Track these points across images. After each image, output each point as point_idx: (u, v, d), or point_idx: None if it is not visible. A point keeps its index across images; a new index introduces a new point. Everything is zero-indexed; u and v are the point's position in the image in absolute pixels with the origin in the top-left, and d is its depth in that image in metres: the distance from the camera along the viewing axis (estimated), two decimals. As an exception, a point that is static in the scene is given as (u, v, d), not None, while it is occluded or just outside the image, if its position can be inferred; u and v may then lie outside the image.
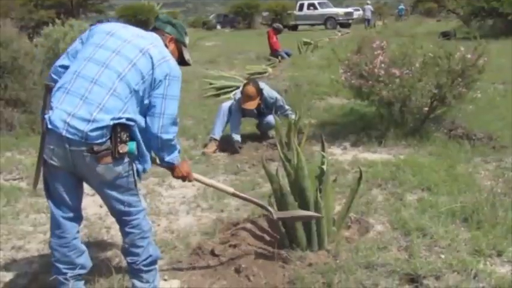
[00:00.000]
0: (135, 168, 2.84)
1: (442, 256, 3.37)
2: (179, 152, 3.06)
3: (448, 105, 6.10)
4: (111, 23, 3.01)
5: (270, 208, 3.44)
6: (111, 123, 2.63)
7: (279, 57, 15.84)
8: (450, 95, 5.92)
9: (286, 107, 6.73)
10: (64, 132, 2.62)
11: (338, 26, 36.07)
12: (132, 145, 2.72)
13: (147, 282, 3.03)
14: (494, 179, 4.83)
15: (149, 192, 4.97)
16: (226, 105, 6.57)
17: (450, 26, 23.66)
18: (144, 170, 2.93)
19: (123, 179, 2.81)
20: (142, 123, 2.79)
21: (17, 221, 4.36)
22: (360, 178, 3.66)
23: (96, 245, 3.86)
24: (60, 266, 2.91)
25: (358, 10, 49.71)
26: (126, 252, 3.02)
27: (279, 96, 6.65)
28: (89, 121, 2.62)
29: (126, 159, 2.76)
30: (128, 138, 2.70)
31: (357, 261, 3.31)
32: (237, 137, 6.28)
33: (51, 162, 2.79)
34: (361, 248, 3.47)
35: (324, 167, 3.49)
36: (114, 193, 2.86)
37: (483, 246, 3.41)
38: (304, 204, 3.45)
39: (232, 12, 46.13)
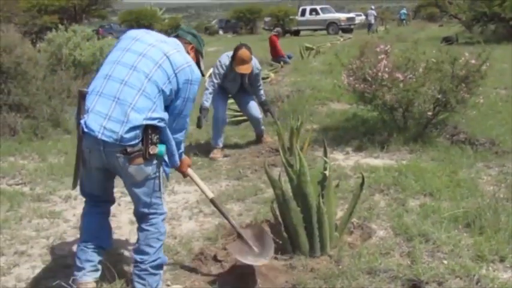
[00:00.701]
0: (161, 171, 3.04)
1: (445, 262, 3.36)
2: (183, 155, 3.29)
3: (450, 110, 6.10)
4: (136, 30, 3.23)
5: (240, 231, 3.50)
6: (144, 122, 2.82)
7: (281, 63, 15.87)
8: (453, 100, 5.92)
9: (261, 81, 6.72)
10: (100, 135, 2.81)
11: (340, 31, 36.15)
12: (162, 147, 2.94)
13: (150, 285, 3.09)
14: (497, 184, 4.83)
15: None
16: (218, 113, 6.47)
17: (452, 31, 23.66)
18: (168, 173, 3.20)
19: (151, 181, 2.99)
20: (165, 115, 2.96)
21: (20, 226, 4.36)
22: (362, 183, 3.66)
23: (98, 250, 3.86)
24: (86, 238, 3.21)
25: (360, 15, 49.81)
26: (137, 251, 3.14)
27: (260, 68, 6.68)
28: (123, 122, 2.80)
29: (155, 161, 2.94)
30: (157, 140, 2.90)
31: (359, 266, 3.31)
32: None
33: (88, 162, 3.00)
34: (364, 253, 3.47)
35: (327, 172, 3.49)
36: (140, 193, 3.03)
37: (486, 252, 3.41)
38: (306, 210, 3.46)
39: (235, 17, 46.25)
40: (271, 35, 17.44)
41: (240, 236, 3.46)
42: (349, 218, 3.74)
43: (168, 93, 2.95)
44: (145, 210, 3.10)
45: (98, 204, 3.32)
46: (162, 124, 2.90)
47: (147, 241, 3.11)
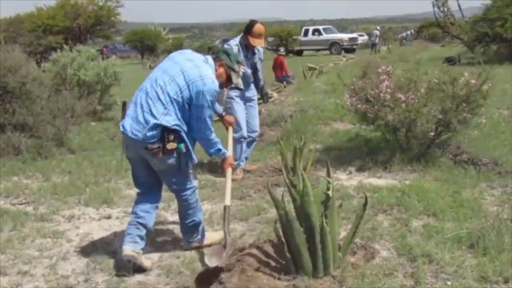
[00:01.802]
0: (184, 161, 3.87)
1: (449, 283, 3.35)
2: (219, 151, 4.09)
3: (453, 130, 6.11)
4: (178, 51, 4.21)
5: (228, 241, 3.95)
6: (158, 122, 3.69)
7: (284, 83, 15.93)
8: (455, 120, 5.93)
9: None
10: (130, 134, 3.78)
11: (343, 51, 36.35)
12: (181, 145, 3.78)
13: (192, 237, 4.15)
14: (500, 204, 4.82)
15: (155, 217, 4.96)
16: (242, 130, 6.34)
17: (454, 52, 23.78)
18: (192, 161, 3.98)
19: (174, 167, 3.87)
20: (185, 128, 3.82)
21: (23, 246, 4.36)
22: (366, 204, 3.65)
23: (102, 270, 3.86)
24: (132, 216, 4.04)
25: (362, 36, 50.14)
26: (178, 215, 4.18)
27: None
28: (144, 125, 3.73)
29: (175, 154, 3.80)
30: (175, 139, 3.74)
31: (362, 287, 3.29)
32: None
33: (128, 154, 3.99)
34: (367, 274, 3.46)
35: (330, 192, 3.49)
36: (168, 176, 3.99)
37: (489, 273, 3.40)
38: (309, 230, 3.45)
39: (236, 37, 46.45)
40: (278, 55, 17.49)
41: (224, 245, 3.93)
42: (353, 238, 3.73)
43: (181, 101, 3.76)
44: (175, 187, 4.02)
45: (147, 192, 4.08)
46: (176, 127, 3.74)
47: (182, 211, 4.11)
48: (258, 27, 6.15)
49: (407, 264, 3.66)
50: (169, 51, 35.21)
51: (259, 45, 6.26)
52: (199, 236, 4.19)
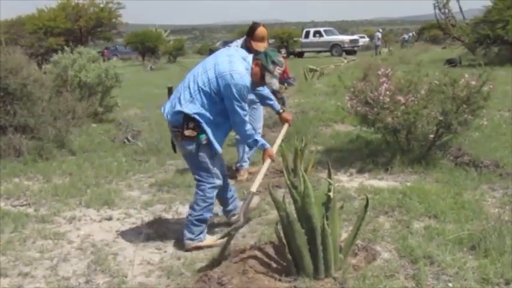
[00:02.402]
0: (203, 152, 4.11)
1: (450, 285, 3.35)
2: (256, 142, 4.26)
3: (454, 132, 6.10)
4: (229, 47, 4.75)
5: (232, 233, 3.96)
6: (180, 109, 4.02)
7: (285, 84, 15.91)
8: (456, 122, 5.93)
9: None
10: (165, 116, 4.19)
11: (344, 53, 36.35)
12: (201, 136, 4.04)
13: (192, 233, 4.24)
14: (501, 206, 4.82)
15: (156, 219, 4.98)
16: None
17: (455, 53, 23.76)
18: (216, 152, 4.19)
19: (193, 156, 4.15)
20: (210, 115, 4.04)
21: (24, 247, 4.36)
22: (367, 205, 3.65)
23: (103, 272, 3.86)
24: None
25: (363, 37, 50.17)
26: (190, 206, 4.34)
27: None
28: (173, 109, 4.10)
29: (195, 143, 4.07)
30: (195, 127, 4.02)
31: (363, 289, 3.29)
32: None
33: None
34: (368, 275, 3.45)
35: (331, 194, 3.49)
36: (189, 162, 4.34)
37: (491, 275, 3.39)
38: (310, 231, 3.45)
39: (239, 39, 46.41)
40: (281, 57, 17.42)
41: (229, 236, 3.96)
42: (354, 240, 3.73)
43: (209, 92, 4.01)
44: (196, 177, 4.27)
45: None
46: (196, 116, 4.00)
47: (196, 201, 4.26)
48: (261, 31, 5.98)
49: (409, 265, 3.65)
50: (170, 53, 35.18)
51: (261, 49, 6.10)
52: (200, 236, 4.26)
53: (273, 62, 4.14)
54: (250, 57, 4.21)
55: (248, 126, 4.17)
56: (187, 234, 4.25)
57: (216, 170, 4.26)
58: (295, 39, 42.25)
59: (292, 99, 12.91)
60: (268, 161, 4.33)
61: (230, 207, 4.70)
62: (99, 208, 5.34)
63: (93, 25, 34.40)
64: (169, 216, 5.09)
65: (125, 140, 8.44)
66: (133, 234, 4.62)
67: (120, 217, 5.10)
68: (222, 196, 4.61)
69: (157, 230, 4.68)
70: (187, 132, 4.03)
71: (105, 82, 10.42)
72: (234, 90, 3.96)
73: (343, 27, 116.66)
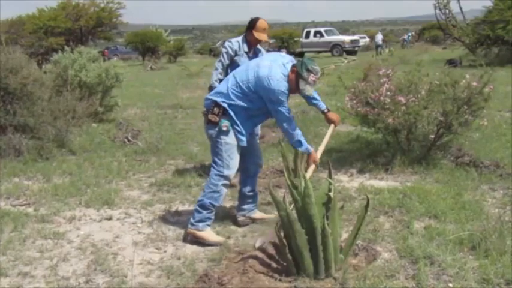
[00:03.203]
0: (223, 139, 4.30)
1: (450, 285, 3.34)
2: (300, 144, 4.39)
3: (454, 132, 6.10)
4: (279, 53, 4.71)
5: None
6: (212, 97, 4.33)
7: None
8: (456, 122, 5.93)
9: None
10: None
11: (344, 53, 36.37)
12: (222, 121, 4.26)
13: (193, 218, 4.40)
14: (502, 207, 4.82)
15: (156, 219, 4.98)
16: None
17: (456, 54, 23.80)
18: (240, 141, 4.36)
19: (212, 140, 4.37)
20: (241, 107, 4.27)
21: (24, 247, 4.35)
22: (367, 205, 3.64)
23: (103, 272, 3.85)
24: None
25: (364, 38, 50.19)
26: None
27: None
28: (208, 95, 4.46)
29: (216, 129, 4.29)
30: (220, 113, 4.26)
31: (364, 289, 3.29)
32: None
33: None
34: (369, 276, 3.45)
35: (331, 194, 3.49)
36: (210, 146, 4.51)
37: (491, 275, 3.39)
38: (311, 231, 3.44)
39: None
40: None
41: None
42: (354, 240, 3.72)
43: (246, 90, 4.24)
44: (212, 160, 4.44)
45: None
46: (224, 105, 4.26)
47: (205, 186, 4.46)
48: (262, 22, 6.08)
49: (409, 266, 3.65)
50: (171, 53, 35.11)
51: (264, 39, 6.13)
52: (199, 224, 4.37)
53: (308, 70, 4.23)
54: (290, 64, 4.35)
55: (293, 127, 4.31)
56: (191, 218, 4.44)
57: (229, 161, 4.36)
58: (295, 39, 42.28)
59: (292, 99, 12.88)
60: (312, 167, 4.41)
61: (245, 206, 4.79)
62: (99, 208, 5.34)
63: (93, 25, 34.44)
64: (169, 216, 5.09)
65: (125, 140, 8.43)
66: (133, 234, 4.61)
67: (120, 217, 5.09)
68: (241, 191, 4.82)
69: (157, 230, 4.68)
70: (210, 117, 4.29)
71: (106, 82, 10.40)
72: (270, 94, 4.17)
73: (343, 27, 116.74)
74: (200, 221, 4.36)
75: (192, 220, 4.39)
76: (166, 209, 5.25)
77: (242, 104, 4.27)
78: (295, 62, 4.41)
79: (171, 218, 5.04)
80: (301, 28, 46.73)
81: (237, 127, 4.31)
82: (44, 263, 4.04)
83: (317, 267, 3.49)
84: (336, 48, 39.10)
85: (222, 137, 4.31)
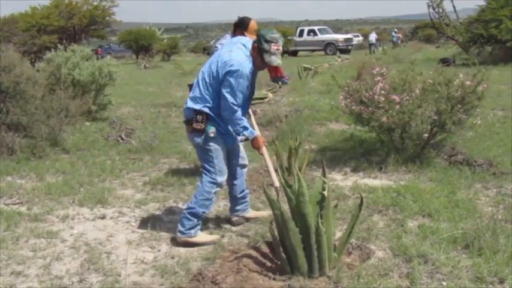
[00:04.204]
0: (211, 146, 4.20)
1: (444, 283, 3.35)
2: (245, 129, 4.18)
3: (448, 131, 6.12)
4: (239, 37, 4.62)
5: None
6: (192, 106, 4.18)
7: (279, 83, 15.89)
8: (450, 121, 5.94)
9: None
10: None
11: (338, 52, 36.40)
12: (209, 128, 4.15)
13: (183, 226, 4.27)
14: (495, 205, 4.83)
15: (150, 218, 4.96)
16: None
17: (449, 53, 23.84)
18: (229, 143, 4.36)
19: (200, 148, 4.28)
20: (219, 109, 4.14)
21: (17, 246, 4.34)
22: (361, 204, 3.65)
23: (96, 271, 3.84)
24: None
25: (357, 36, 50.25)
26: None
27: None
28: (185, 105, 4.29)
29: (203, 137, 4.19)
30: (202, 120, 4.15)
31: (358, 288, 3.29)
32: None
33: None
34: (363, 274, 3.45)
35: (325, 192, 3.49)
36: (197, 155, 4.51)
37: (485, 274, 3.40)
38: (305, 230, 3.45)
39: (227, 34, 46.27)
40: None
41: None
42: (348, 239, 3.72)
43: (215, 85, 4.12)
44: (202, 169, 4.35)
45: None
46: (205, 110, 4.15)
47: (195, 193, 4.34)
48: (254, 24, 6.08)
49: (403, 264, 3.66)
50: (164, 51, 35.02)
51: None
52: (191, 231, 4.27)
53: (267, 41, 4.12)
54: (250, 42, 4.27)
55: (238, 114, 4.13)
56: (179, 227, 4.30)
57: (220, 167, 4.30)
58: (289, 37, 42.23)
59: (286, 98, 12.91)
60: (265, 151, 4.31)
61: (238, 207, 4.72)
62: (92, 207, 5.32)
63: (86, 23, 34.22)
64: (163, 214, 5.08)
65: (119, 139, 8.41)
66: (127, 233, 4.60)
67: (114, 216, 5.08)
68: (232, 193, 4.71)
69: (151, 229, 4.66)
70: (195, 125, 4.17)
71: (99, 80, 10.36)
72: (229, 76, 4.05)
73: (337, 26, 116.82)
74: (191, 228, 4.28)
75: (181, 229, 4.27)
76: (160, 208, 5.24)
77: (218, 102, 4.15)
78: (251, 41, 4.31)
79: (165, 216, 5.03)
80: (295, 27, 46.66)
81: (221, 129, 4.24)
82: (37, 262, 4.02)
83: (311, 266, 3.49)
84: (329, 47, 39.11)
85: (210, 143, 4.22)
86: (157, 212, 5.13)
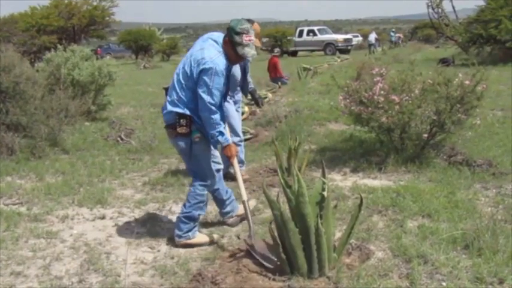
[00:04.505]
0: (197, 149, 4.10)
1: (444, 284, 3.35)
2: (221, 134, 4.04)
3: (447, 131, 6.12)
4: (210, 34, 4.30)
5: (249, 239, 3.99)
6: (172, 109, 4.04)
7: (279, 83, 15.93)
8: (449, 121, 5.94)
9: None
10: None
11: (337, 52, 36.42)
12: (194, 133, 4.05)
13: (180, 230, 4.24)
14: (495, 205, 4.83)
15: (149, 218, 4.96)
16: (238, 134, 6.11)
17: (449, 53, 23.84)
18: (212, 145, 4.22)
19: (186, 153, 4.16)
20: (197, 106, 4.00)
21: (16, 246, 4.34)
22: (361, 204, 3.64)
23: (96, 271, 3.84)
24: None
25: (357, 36, 50.27)
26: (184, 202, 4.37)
27: None
28: (165, 109, 4.14)
29: (188, 140, 4.07)
30: (187, 124, 4.02)
31: (357, 288, 3.29)
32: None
33: None
34: (362, 275, 3.45)
35: (325, 193, 3.49)
36: (183, 160, 4.46)
37: (484, 274, 3.40)
38: (304, 231, 3.44)
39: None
40: (273, 56, 17.53)
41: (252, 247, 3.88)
42: (348, 239, 3.72)
43: (191, 85, 3.99)
44: (190, 173, 4.38)
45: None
46: (188, 112, 4.01)
47: (187, 197, 4.31)
48: (257, 27, 6.04)
49: (403, 265, 3.66)
50: (164, 52, 35.02)
51: (258, 44, 6.14)
52: (189, 234, 4.25)
53: (237, 33, 3.98)
54: (221, 37, 4.12)
55: (216, 116, 3.98)
56: (176, 231, 4.28)
57: (209, 169, 4.25)
58: (288, 38, 42.24)
59: (286, 98, 12.91)
60: (236, 163, 4.27)
61: (227, 208, 4.67)
62: (92, 207, 5.32)
63: (86, 23, 34.23)
64: (162, 215, 5.08)
65: (118, 139, 8.41)
66: (126, 233, 4.60)
67: (113, 216, 5.08)
68: (218, 197, 4.59)
69: (150, 229, 4.67)
70: (179, 130, 4.04)
71: (98, 80, 10.37)
72: (203, 75, 3.91)
73: (336, 26, 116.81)
74: (189, 230, 4.25)
75: (179, 233, 4.24)
76: (160, 208, 5.24)
77: (197, 103, 4.00)
78: (222, 35, 4.16)
79: (164, 217, 5.03)
80: (295, 27, 46.66)
81: (205, 132, 4.09)
82: (37, 263, 4.03)
83: (311, 267, 3.49)
84: (329, 47, 39.12)
85: (195, 147, 4.12)
86: (157, 212, 5.13)
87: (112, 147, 8.07)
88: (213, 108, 3.95)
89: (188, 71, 4.02)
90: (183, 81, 4.05)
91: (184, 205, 4.30)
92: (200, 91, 3.94)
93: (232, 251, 4.04)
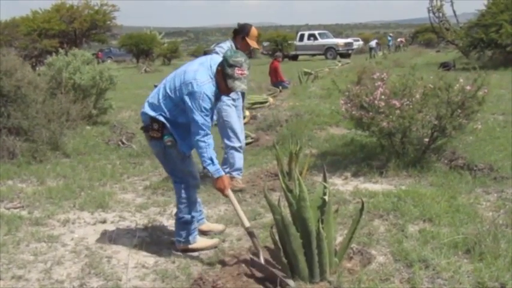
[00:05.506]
0: (170, 152, 4.04)
1: (445, 288, 3.35)
2: (212, 163, 3.88)
3: (448, 136, 6.12)
4: (209, 56, 4.28)
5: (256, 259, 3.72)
6: (147, 112, 4.02)
7: (280, 87, 15.95)
8: (450, 126, 5.95)
9: None
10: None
11: (338, 56, 36.48)
12: (165, 137, 3.98)
13: (180, 236, 4.23)
14: (496, 210, 4.83)
15: (150, 222, 4.96)
16: (239, 139, 6.02)
17: (449, 57, 23.86)
18: (185, 152, 4.09)
19: (162, 156, 4.15)
20: (177, 120, 3.97)
21: (18, 250, 4.34)
22: (362, 209, 3.64)
23: (97, 275, 3.84)
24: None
25: (357, 41, 50.36)
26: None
27: None
28: (143, 109, 4.11)
29: (162, 144, 4.01)
30: (159, 129, 3.98)
31: (359, 293, 3.29)
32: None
33: None
34: (363, 279, 3.45)
35: (326, 197, 3.49)
36: (160, 163, 4.41)
37: (486, 279, 3.40)
38: (306, 235, 3.45)
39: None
40: (274, 61, 17.56)
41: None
42: (349, 244, 3.72)
43: (174, 99, 3.95)
44: (171, 176, 4.35)
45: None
46: (160, 118, 3.96)
47: (176, 200, 4.25)
48: (255, 30, 6.09)
49: (404, 269, 3.66)
50: (165, 56, 35.13)
51: (256, 46, 6.16)
52: (189, 238, 4.24)
53: (230, 65, 3.85)
54: (216, 65, 4.00)
55: (207, 144, 3.86)
56: (176, 236, 4.28)
57: (189, 169, 4.17)
58: (289, 42, 42.30)
59: (286, 102, 12.91)
60: (231, 193, 3.99)
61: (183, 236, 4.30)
62: (93, 211, 5.32)
63: (87, 27, 34.29)
64: (163, 219, 5.08)
65: (119, 143, 8.42)
66: (127, 237, 4.60)
67: (115, 220, 5.08)
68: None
69: (151, 233, 4.67)
70: (151, 133, 4.03)
71: (100, 84, 10.39)
72: (192, 98, 3.82)
73: (337, 30, 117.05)
74: (188, 235, 4.23)
75: (179, 238, 4.23)
76: (161, 212, 5.24)
77: (175, 115, 3.95)
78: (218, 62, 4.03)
79: (165, 221, 5.03)
80: (295, 31, 46.78)
81: (176, 137, 4.00)
82: (38, 266, 4.03)
83: (312, 271, 3.49)
84: (329, 51, 39.21)
85: (170, 151, 4.05)
86: (158, 217, 5.13)
87: (113, 151, 8.07)
88: (206, 131, 3.84)
89: (177, 85, 3.94)
90: (168, 91, 4.00)
91: (177, 210, 4.26)
92: (191, 115, 3.83)
93: (234, 256, 4.04)
